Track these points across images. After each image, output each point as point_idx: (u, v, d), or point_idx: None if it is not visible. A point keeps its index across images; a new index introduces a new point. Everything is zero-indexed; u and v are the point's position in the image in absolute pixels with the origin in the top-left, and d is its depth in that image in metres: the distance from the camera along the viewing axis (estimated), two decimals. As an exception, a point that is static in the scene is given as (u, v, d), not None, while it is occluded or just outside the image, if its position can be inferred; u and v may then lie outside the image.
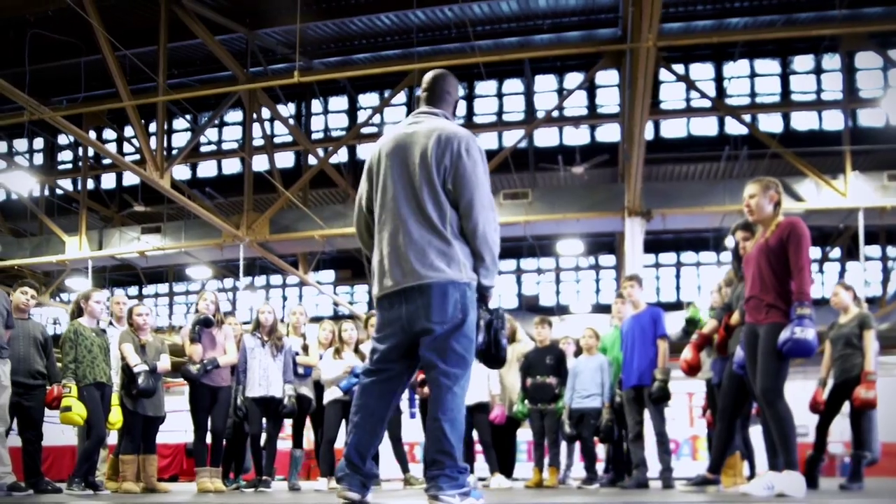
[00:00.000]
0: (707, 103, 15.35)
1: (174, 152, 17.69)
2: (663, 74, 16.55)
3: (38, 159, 20.88)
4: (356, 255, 21.33)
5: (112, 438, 7.21)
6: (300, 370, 7.37)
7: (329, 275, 24.45)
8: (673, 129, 18.00)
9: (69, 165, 20.24)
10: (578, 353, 8.02)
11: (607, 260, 21.99)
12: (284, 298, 25.09)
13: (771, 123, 17.19)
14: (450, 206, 3.25)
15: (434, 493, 3.14)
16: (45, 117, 9.43)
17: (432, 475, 3.18)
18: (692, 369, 5.69)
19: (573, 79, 17.92)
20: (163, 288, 24.60)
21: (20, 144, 20.81)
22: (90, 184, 20.19)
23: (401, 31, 15.43)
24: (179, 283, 24.27)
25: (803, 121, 17.20)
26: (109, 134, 19.77)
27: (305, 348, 7.56)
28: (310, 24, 15.42)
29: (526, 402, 7.63)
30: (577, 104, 18.47)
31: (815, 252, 20.51)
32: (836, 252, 19.00)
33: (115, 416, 6.49)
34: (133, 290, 24.61)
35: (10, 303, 6.04)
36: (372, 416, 3.31)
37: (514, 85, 18.84)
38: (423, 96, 3.51)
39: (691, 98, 17.15)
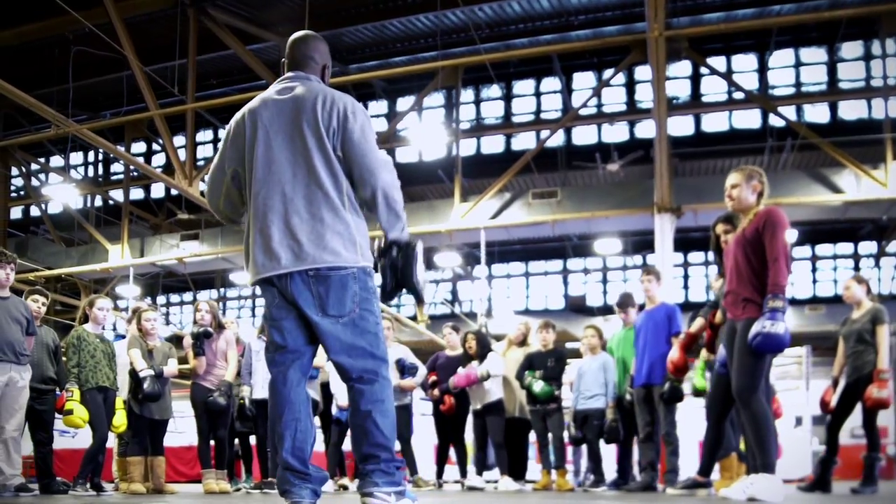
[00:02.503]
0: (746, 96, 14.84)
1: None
2: (704, 67, 16.19)
3: (97, 170, 21.75)
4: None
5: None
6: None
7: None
8: (715, 122, 17.57)
9: (121, 176, 20.97)
10: None
11: (654, 259, 21.56)
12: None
13: (818, 114, 16.61)
14: (344, 174, 2.97)
15: (368, 491, 2.91)
16: (71, 132, 9.75)
17: (367, 471, 2.96)
18: (678, 370, 5.49)
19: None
20: (214, 294, 25.18)
21: (76, 157, 21.70)
22: (140, 193, 20.93)
23: (438, 33, 15.40)
24: (231, 289, 24.82)
25: (852, 110, 16.55)
26: (156, 145, 20.41)
27: (314, 349, 7.59)
28: (345, 29, 15.59)
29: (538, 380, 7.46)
30: (615, 100, 18.22)
31: (870, 246, 19.72)
32: (892, 246, 18.17)
33: (119, 419, 6.65)
34: (188, 296, 25.29)
35: (31, 311, 6.19)
36: (299, 410, 3.03)
37: (552, 83, 18.69)
38: (288, 61, 3.21)
39: (733, 91, 16.70)
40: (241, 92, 15.65)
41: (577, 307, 21.98)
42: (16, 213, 22.34)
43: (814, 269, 20.37)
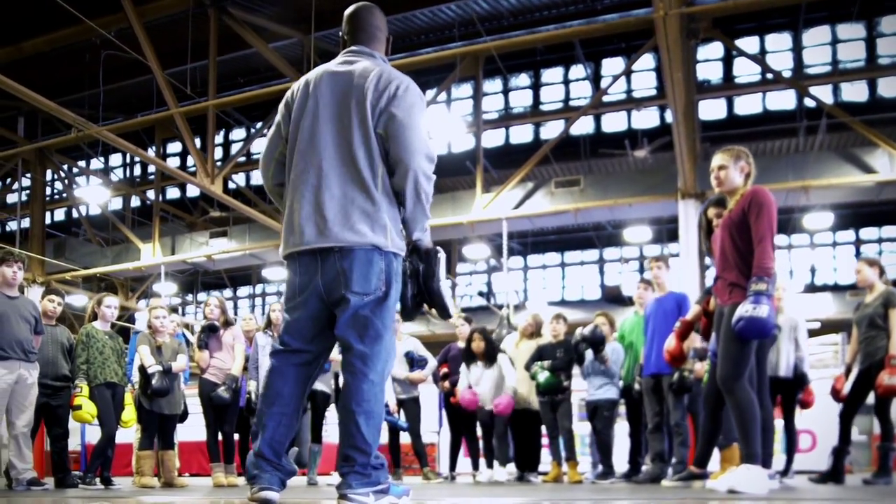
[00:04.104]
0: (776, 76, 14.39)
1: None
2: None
3: (132, 172, 22.22)
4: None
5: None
6: None
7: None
8: (748, 105, 17.11)
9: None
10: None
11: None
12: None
13: (855, 92, 16.05)
14: (381, 158, 2.88)
15: (343, 493, 2.84)
16: (91, 133, 9.95)
17: (343, 472, 2.91)
18: (675, 360, 5.29)
19: (643, 60, 17.29)
20: (250, 290, 25.52)
21: (116, 159, 22.21)
22: (176, 193, 21.33)
23: (457, 24, 15.26)
24: (270, 285, 25.10)
25: (892, 87, 15.92)
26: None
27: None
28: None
29: (544, 370, 7.36)
30: (645, 85, 17.86)
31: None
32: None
33: (128, 414, 6.77)
34: (227, 293, 25.69)
35: (39, 310, 6.33)
36: (288, 406, 2.98)
37: (581, 71, 18.40)
38: (349, 36, 3.09)
39: (765, 71, 16.23)
40: (265, 89, 15.84)
41: (612, 297, 21.69)
42: (59, 215, 23.00)
43: (857, 254, 19.72)
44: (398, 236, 2.91)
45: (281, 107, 3.09)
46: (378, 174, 2.87)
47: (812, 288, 19.35)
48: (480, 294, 23.91)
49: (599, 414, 7.22)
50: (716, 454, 5.31)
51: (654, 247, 21.02)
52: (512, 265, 23.50)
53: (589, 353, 7.25)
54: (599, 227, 20.66)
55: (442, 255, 3.03)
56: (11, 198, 19.34)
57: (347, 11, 3.10)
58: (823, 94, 15.72)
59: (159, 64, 11.98)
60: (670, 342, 5.27)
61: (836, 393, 6.15)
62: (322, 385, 7.49)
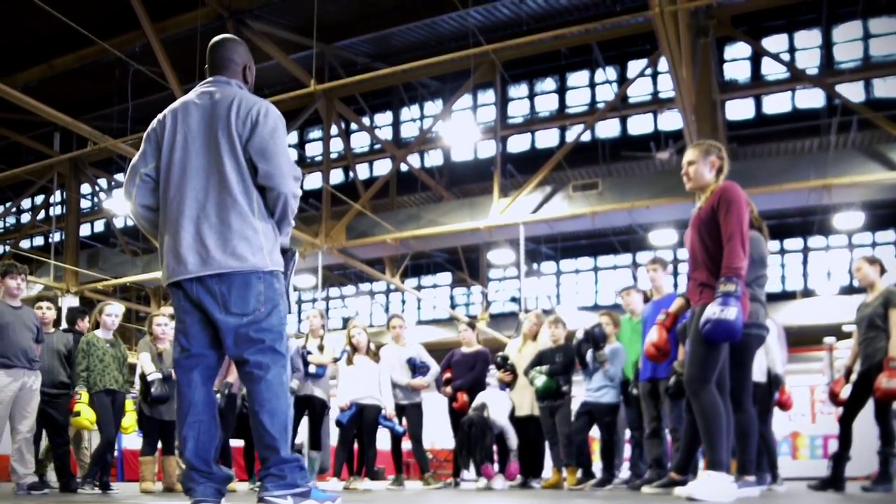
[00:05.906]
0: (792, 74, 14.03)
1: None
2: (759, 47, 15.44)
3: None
4: (469, 257, 21.49)
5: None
6: (312, 369, 7.45)
7: (446, 277, 24.77)
8: (776, 104, 16.69)
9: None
10: None
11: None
12: (403, 303, 25.65)
13: (888, 88, 15.53)
14: (254, 182, 3.05)
15: (261, 496, 2.94)
16: (107, 146, 10.18)
17: (261, 476, 3.00)
18: (661, 353, 4.99)
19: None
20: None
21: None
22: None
23: (486, 29, 15.21)
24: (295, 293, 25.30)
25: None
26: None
27: (321, 348, 7.64)
28: (394, 30, 15.64)
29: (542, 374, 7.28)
30: (671, 87, 17.54)
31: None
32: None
33: (128, 420, 6.89)
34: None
35: (39, 320, 6.46)
36: (204, 413, 3.11)
37: (606, 74, 18.18)
38: (208, 68, 3.28)
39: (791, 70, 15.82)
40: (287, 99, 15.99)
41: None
42: (99, 226, 23.57)
43: (897, 254, 19.10)
44: (277, 252, 3.09)
45: (145, 139, 3.23)
46: (253, 199, 3.04)
47: (849, 290, 18.78)
48: (513, 300, 23.81)
49: (600, 420, 7.09)
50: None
51: (684, 250, 20.60)
52: (544, 270, 23.37)
53: (589, 354, 7.17)
54: (630, 231, 20.37)
55: (296, 256, 3.28)
56: (49, 211, 19.92)
57: (209, 44, 3.32)
58: (855, 90, 15.29)
59: (178, 78, 12.19)
60: (654, 335, 4.94)
61: (834, 397, 5.93)
62: (319, 391, 7.52)
